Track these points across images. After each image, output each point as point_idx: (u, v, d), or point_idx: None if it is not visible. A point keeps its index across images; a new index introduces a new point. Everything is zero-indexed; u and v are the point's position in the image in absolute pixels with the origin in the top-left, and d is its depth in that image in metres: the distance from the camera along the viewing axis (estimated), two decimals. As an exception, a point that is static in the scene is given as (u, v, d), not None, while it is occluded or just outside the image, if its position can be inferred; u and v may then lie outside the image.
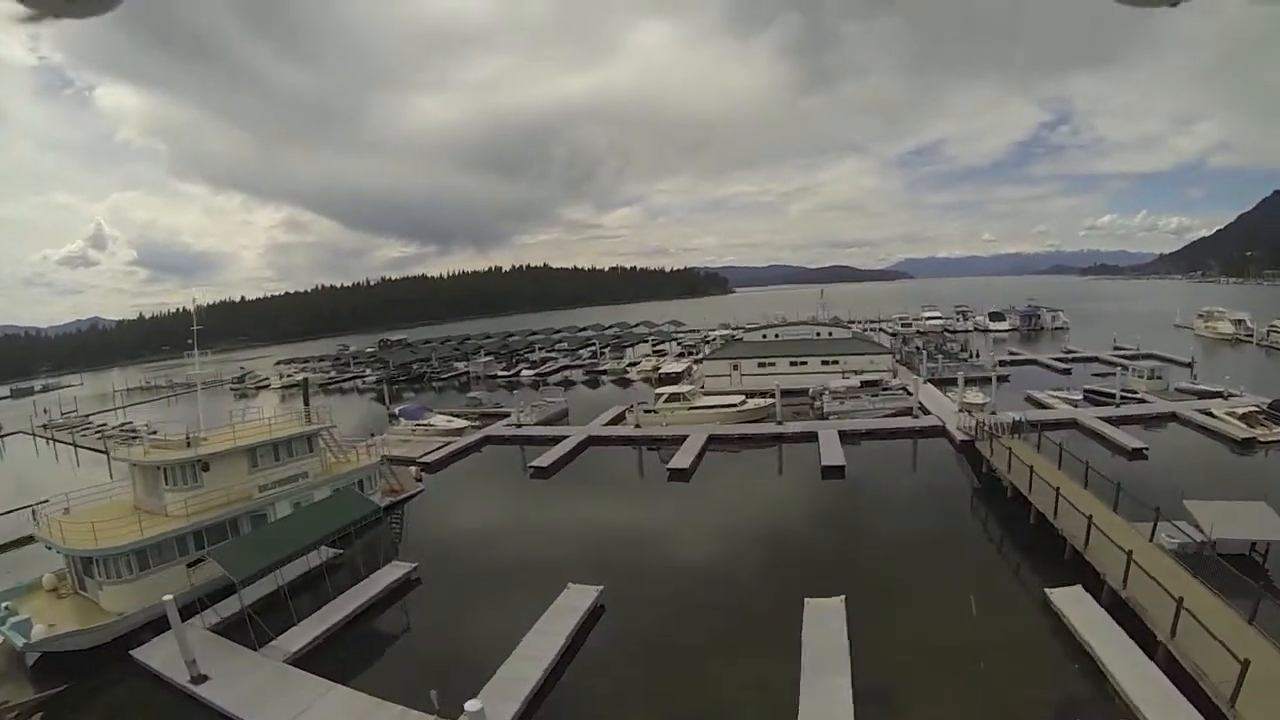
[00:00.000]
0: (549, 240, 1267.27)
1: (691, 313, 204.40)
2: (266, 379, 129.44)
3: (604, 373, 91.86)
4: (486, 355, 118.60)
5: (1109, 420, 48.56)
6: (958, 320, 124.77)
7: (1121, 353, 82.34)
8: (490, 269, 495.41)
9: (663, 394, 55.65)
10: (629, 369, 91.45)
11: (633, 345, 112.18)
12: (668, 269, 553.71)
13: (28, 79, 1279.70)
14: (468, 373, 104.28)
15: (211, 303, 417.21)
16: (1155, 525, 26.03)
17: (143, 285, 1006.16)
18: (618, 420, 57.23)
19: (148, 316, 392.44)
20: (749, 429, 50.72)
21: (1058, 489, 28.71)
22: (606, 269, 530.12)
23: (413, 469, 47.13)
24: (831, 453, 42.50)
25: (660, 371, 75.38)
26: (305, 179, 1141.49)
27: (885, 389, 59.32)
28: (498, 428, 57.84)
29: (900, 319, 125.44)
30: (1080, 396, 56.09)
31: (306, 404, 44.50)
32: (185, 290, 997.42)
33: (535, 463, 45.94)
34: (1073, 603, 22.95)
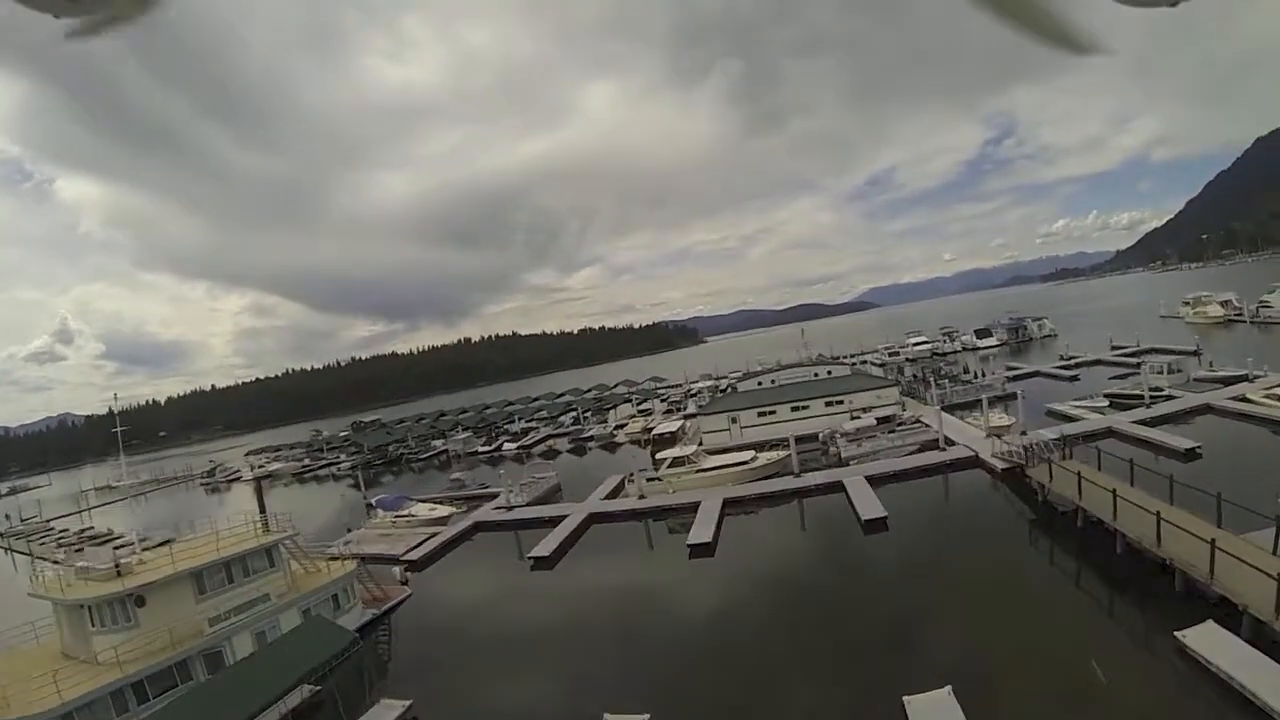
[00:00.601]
0: (515, 308, 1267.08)
1: (667, 367, 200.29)
2: (237, 470, 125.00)
3: (590, 439, 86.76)
4: (465, 431, 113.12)
5: (1144, 423, 45.46)
6: (944, 342, 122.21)
7: (1122, 351, 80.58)
8: (459, 341, 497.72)
9: (665, 459, 50.76)
10: (616, 431, 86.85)
11: (614, 407, 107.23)
12: (636, 325, 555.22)
13: None
14: (446, 451, 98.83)
15: (181, 393, 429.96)
16: (1278, 535, 22.04)
17: (111, 378, 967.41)
18: (617, 491, 52.04)
19: (114, 411, 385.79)
20: (766, 486, 45.69)
21: (1158, 513, 24.38)
22: (576, 331, 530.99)
23: (397, 569, 41.60)
24: (866, 503, 37.84)
25: (654, 432, 70.82)
26: (270, 263, 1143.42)
27: (900, 424, 55.37)
28: (487, 511, 52.41)
29: (886, 349, 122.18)
30: (1105, 403, 52.72)
31: (262, 509, 38.40)
32: (155, 381, 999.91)
33: (535, 552, 40.48)
34: (1213, 643, 19.02)
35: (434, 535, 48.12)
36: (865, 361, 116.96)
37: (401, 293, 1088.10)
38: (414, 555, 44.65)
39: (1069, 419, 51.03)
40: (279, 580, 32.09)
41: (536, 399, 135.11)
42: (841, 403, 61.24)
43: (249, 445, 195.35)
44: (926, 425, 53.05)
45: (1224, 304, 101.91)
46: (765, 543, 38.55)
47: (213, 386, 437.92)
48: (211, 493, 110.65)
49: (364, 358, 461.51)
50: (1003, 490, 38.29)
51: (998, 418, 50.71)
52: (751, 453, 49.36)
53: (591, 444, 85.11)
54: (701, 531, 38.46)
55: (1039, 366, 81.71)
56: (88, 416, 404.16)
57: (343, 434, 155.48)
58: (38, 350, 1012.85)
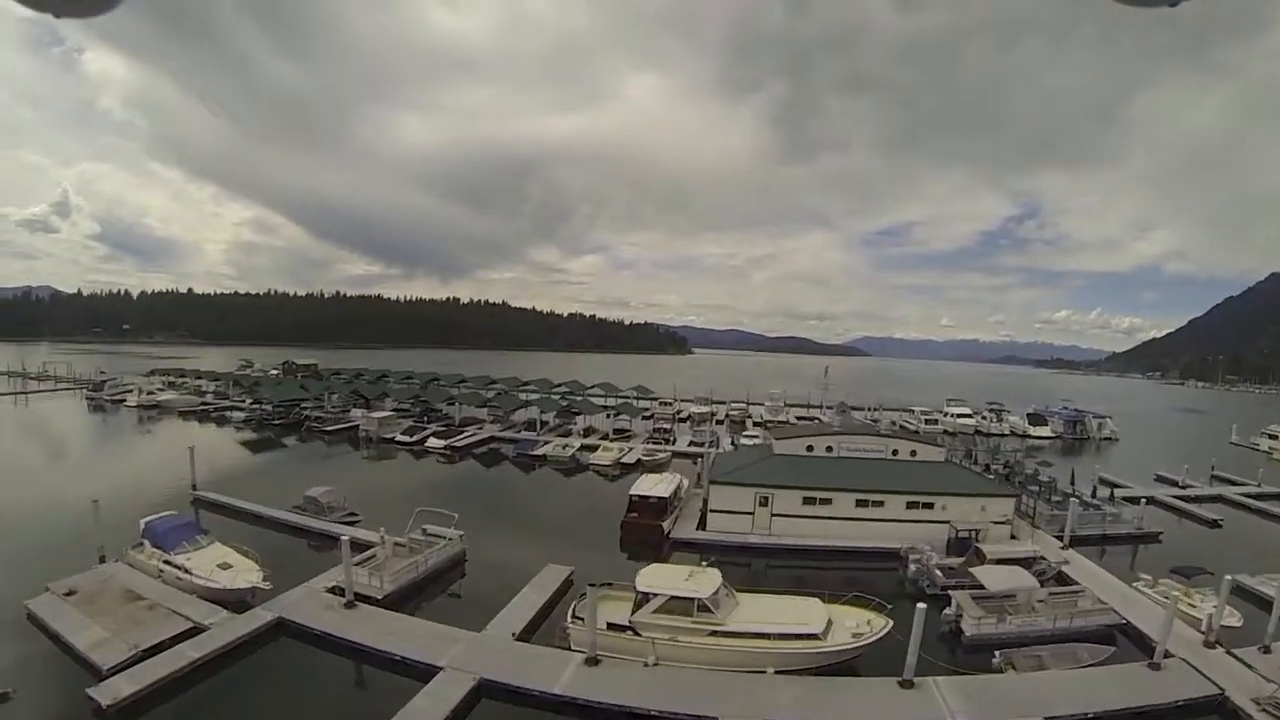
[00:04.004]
0: (512, 278, 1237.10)
1: (654, 374, 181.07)
2: (129, 388, 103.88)
3: (543, 459, 64.14)
4: (391, 406, 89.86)
5: None
6: (991, 421, 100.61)
7: (1244, 488, 61.87)
8: (448, 299, 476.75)
9: (655, 595, 25.27)
10: (582, 453, 64.74)
11: (581, 414, 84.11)
12: (627, 321, 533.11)
13: (17, 28, 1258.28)
14: (357, 427, 76.22)
15: (156, 290, 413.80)
16: None
17: (100, 261, 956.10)
18: (551, 608, 29.25)
19: (85, 294, 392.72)
20: (841, 693, 23.13)
21: None
22: (565, 315, 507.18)
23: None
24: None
25: (637, 497, 40.81)
26: (280, 180, 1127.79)
27: (1041, 574, 33.40)
28: (314, 594, 29.23)
29: (923, 413, 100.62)
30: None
31: None
32: (141, 272, 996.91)
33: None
34: None
35: (190, 635, 25.55)
36: (894, 423, 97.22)
37: (404, 238, 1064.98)
38: (122, 686, 21.93)
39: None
40: None
41: (495, 383, 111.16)
42: (931, 506, 39.09)
43: (207, 356, 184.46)
44: (1078, 587, 31.94)
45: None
46: None
47: (190, 290, 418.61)
48: (94, 410, 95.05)
49: (350, 295, 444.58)
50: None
51: (1199, 601, 30.64)
52: (823, 615, 25.51)
53: (542, 464, 62.75)
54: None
55: (1151, 490, 60.30)
56: (53, 294, 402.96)
57: (273, 370, 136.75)
58: (31, 217, 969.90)
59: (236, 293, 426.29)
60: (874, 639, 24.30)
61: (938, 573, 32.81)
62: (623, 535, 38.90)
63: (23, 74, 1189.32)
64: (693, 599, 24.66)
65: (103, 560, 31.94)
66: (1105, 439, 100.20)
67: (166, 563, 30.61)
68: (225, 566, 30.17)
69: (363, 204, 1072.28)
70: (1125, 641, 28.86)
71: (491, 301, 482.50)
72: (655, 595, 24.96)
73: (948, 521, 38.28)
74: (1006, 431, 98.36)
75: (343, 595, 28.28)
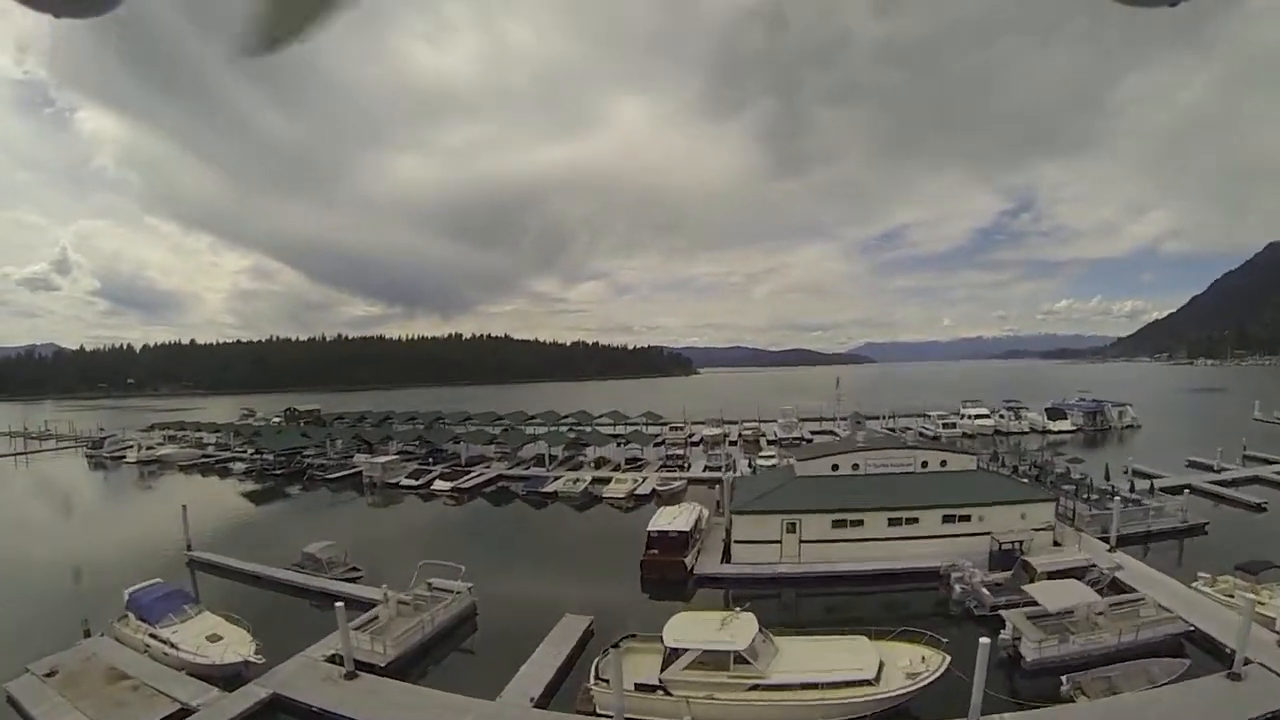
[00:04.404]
0: (513, 310, 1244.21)
1: (661, 396, 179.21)
2: (130, 444, 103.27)
3: (553, 495, 61.70)
4: (396, 449, 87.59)
5: None
6: (1010, 419, 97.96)
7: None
8: (450, 335, 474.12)
9: (686, 649, 22.75)
10: (594, 486, 62.21)
11: (590, 446, 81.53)
12: (630, 346, 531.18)
13: (10, 91, 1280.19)
14: (360, 473, 73.82)
15: (158, 343, 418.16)
16: None
17: (102, 317, 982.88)
18: (571, 665, 26.71)
19: (88, 350, 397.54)
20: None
21: None
22: (568, 343, 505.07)
23: None
24: None
25: (655, 533, 38.22)
26: (276, 227, 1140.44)
27: (1094, 583, 30.99)
28: (313, 662, 26.77)
29: (940, 417, 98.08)
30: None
31: None
32: (144, 326, 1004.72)
33: None
34: None
35: (177, 718, 23.43)
36: (908, 429, 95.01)
37: (404, 277, 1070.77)
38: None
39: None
40: None
41: (501, 419, 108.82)
42: (969, 519, 36.68)
43: (211, 407, 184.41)
44: (1137, 595, 29.59)
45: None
46: None
47: (192, 341, 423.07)
48: (95, 468, 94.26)
49: (351, 336, 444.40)
50: None
51: (1267, 598, 28.16)
52: (873, 657, 22.91)
53: (553, 500, 60.36)
54: None
55: (1186, 477, 57.95)
56: (57, 351, 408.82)
57: (275, 418, 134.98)
58: (32, 275, 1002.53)
59: (239, 341, 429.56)
60: (932, 678, 21.91)
61: (985, 591, 30.40)
62: (643, 574, 36.29)
63: (17, 136, 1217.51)
64: (728, 651, 22.24)
65: (87, 635, 29.75)
66: (1127, 427, 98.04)
67: (152, 636, 28.42)
68: (215, 638, 27.88)
69: (360, 246, 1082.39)
70: (1194, 650, 26.58)
71: (494, 335, 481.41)
72: (686, 649, 22.55)
73: (987, 533, 35.85)
74: (1026, 429, 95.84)
75: (342, 664, 25.97)
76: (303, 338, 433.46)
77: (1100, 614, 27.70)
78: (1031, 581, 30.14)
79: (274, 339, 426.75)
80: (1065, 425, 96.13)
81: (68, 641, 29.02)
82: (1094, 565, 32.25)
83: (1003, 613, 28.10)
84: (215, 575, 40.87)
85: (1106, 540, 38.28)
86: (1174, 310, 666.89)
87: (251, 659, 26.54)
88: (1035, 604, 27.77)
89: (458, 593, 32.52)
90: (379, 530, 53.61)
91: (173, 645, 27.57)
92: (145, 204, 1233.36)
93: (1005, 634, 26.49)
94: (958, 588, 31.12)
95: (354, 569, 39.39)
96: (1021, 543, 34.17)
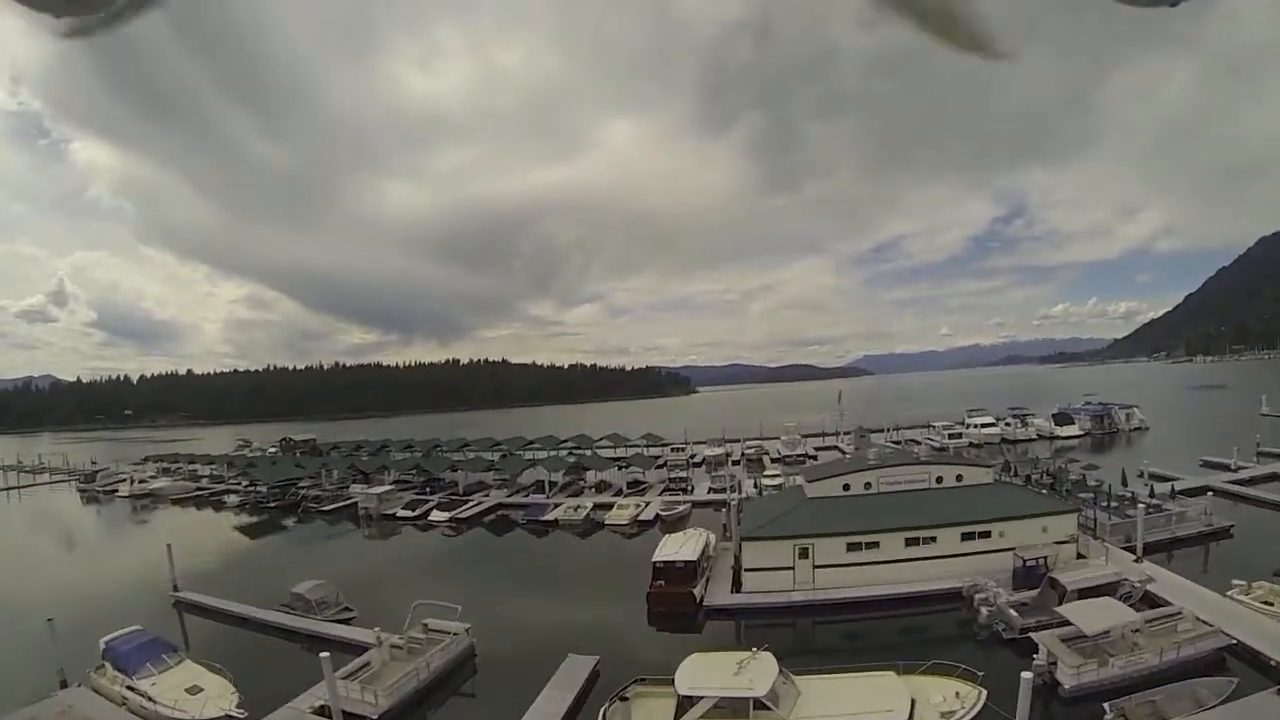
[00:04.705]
0: (510, 334, 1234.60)
1: (660, 417, 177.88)
2: (122, 477, 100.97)
3: (554, 523, 59.82)
4: (393, 478, 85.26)
5: None
6: (1016, 426, 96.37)
7: None
8: (448, 361, 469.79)
9: (701, 697, 21.01)
10: (595, 512, 60.32)
11: (589, 470, 79.39)
12: (628, 367, 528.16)
13: (4, 123, 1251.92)
14: (356, 504, 72.05)
15: (155, 373, 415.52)
16: None
17: (99, 348, 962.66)
18: (578, 710, 24.76)
19: (85, 381, 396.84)
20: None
21: None
22: (566, 365, 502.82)
23: None
24: None
25: (661, 563, 35.73)
26: (272, 256, 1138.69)
27: (1127, 597, 29.40)
28: (296, 716, 24.86)
29: (945, 427, 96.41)
30: None
31: None
32: (142, 356, 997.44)
33: None
34: None
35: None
36: (913, 441, 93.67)
37: (400, 304, 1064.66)
38: None
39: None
40: None
41: (499, 445, 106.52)
42: (989, 535, 35.01)
43: (208, 438, 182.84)
44: (1173, 608, 28.04)
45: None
46: None
47: (189, 371, 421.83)
48: (87, 502, 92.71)
49: (349, 364, 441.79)
50: None
51: None
52: (896, 687, 21.53)
53: (554, 529, 58.56)
54: None
55: (1204, 478, 56.58)
56: (53, 383, 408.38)
57: (271, 448, 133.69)
58: (29, 307, 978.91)
59: (235, 370, 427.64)
60: (969, 716, 20.25)
61: (1012, 613, 28.68)
62: (650, 607, 34.37)
63: (13, 167, 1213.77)
64: (747, 698, 20.54)
65: (64, 685, 28.41)
66: (1135, 429, 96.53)
67: (130, 688, 26.80)
68: (195, 690, 26.25)
69: (356, 274, 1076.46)
70: (1236, 664, 25.12)
71: (491, 360, 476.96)
72: (701, 697, 20.83)
73: (1008, 549, 34.16)
74: (1034, 436, 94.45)
75: (331, 718, 24.22)
76: (300, 366, 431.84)
77: (1137, 631, 26.06)
78: (1061, 600, 28.47)
79: (271, 368, 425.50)
80: (1073, 430, 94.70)
81: (44, 691, 27.72)
82: (1124, 579, 30.53)
83: (1034, 636, 26.49)
84: (201, 617, 39.23)
85: (1132, 550, 36.74)
86: (1169, 309, 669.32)
87: (233, 713, 24.95)
88: (1066, 623, 26.16)
89: (455, 634, 30.73)
90: (374, 564, 51.75)
91: (150, 698, 25.98)
92: (141, 234, 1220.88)
93: (1039, 659, 24.80)
94: (984, 610, 29.39)
95: (346, 609, 37.51)
96: (1046, 558, 32.48)
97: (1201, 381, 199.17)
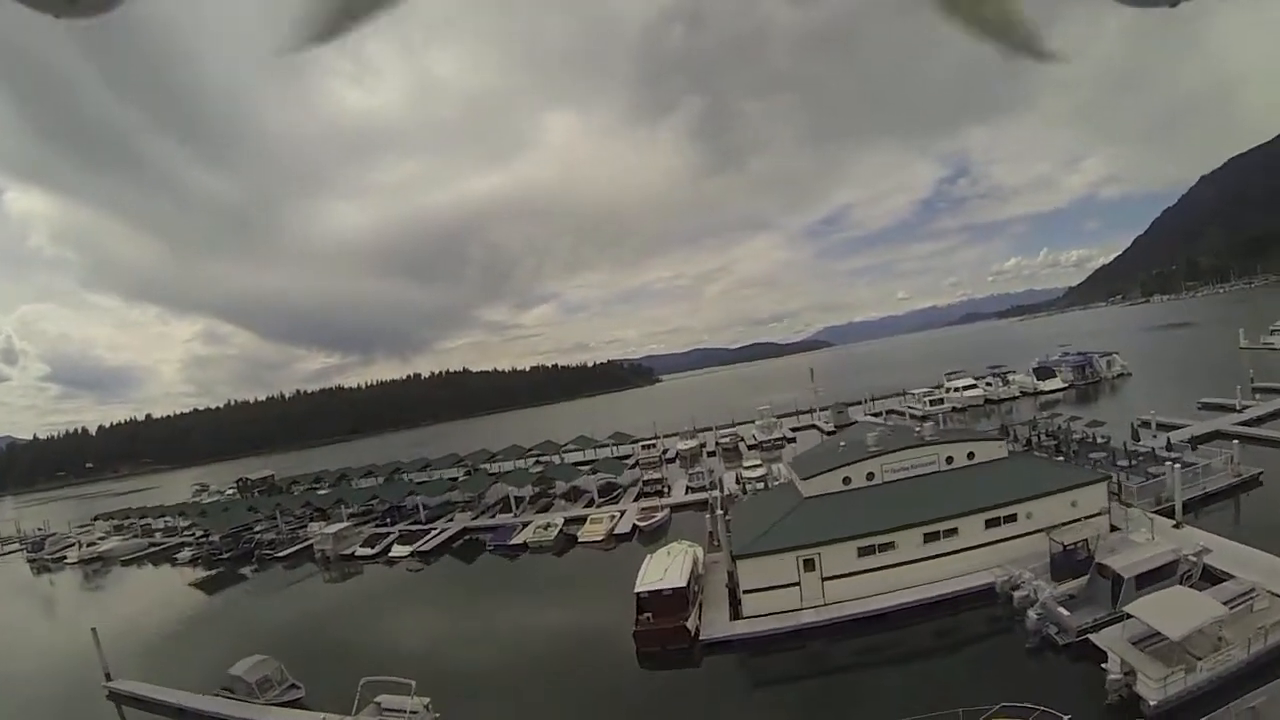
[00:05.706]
0: (469, 343, 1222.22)
1: (626, 410, 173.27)
2: (71, 542, 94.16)
3: (524, 546, 54.65)
4: (351, 511, 78.73)
5: None
6: (998, 385, 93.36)
7: None
8: (408, 377, 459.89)
9: None
10: (567, 527, 55.43)
11: (563, 479, 74.08)
12: (590, 363, 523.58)
13: None
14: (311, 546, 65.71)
15: (113, 422, 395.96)
16: None
17: (56, 402, 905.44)
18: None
19: (42, 438, 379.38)
20: None
21: None
22: (528, 369, 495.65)
23: None
24: None
25: (645, 593, 30.72)
26: (222, 289, 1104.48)
27: (1187, 576, 25.40)
28: None
29: (925, 394, 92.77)
30: None
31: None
32: (101, 406, 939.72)
33: None
34: None
35: None
36: (892, 411, 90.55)
37: (357, 324, 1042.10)
38: None
39: None
40: None
41: (463, 460, 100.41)
42: (1015, 518, 30.76)
43: (169, 483, 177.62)
44: (1243, 585, 24.06)
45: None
46: None
47: (148, 416, 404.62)
48: (38, 573, 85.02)
49: (311, 391, 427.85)
50: None
51: None
52: None
53: (525, 551, 53.47)
54: None
55: (1211, 422, 53.64)
56: (10, 443, 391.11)
57: (230, 489, 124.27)
58: None
59: (195, 410, 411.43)
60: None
61: (1063, 612, 24.36)
62: (638, 647, 29.26)
63: None
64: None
65: None
66: (1118, 376, 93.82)
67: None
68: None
69: (311, 298, 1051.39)
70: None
71: (452, 371, 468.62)
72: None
73: (1038, 531, 29.94)
74: (1017, 393, 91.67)
75: None
76: (261, 398, 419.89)
77: (1220, 621, 21.89)
78: (1116, 590, 24.24)
79: (232, 403, 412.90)
80: (1056, 383, 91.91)
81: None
82: (1182, 554, 26.36)
83: (1095, 640, 22.26)
84: (137, 710, 33.66)
85: (1167, 514, 32.91)
86: (1120, 253, 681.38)
87: None
88: (1125, 618, 21.99)
89: (412, 713, 25.59)
90: (328, 620, 45.59)
91: None
92: (85, 280, 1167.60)
93: (1113, 671, 20.47)
94: (1032, 614, 24.85)
95: (293, 686, 31.91)
96: (1088, 540, 28.15)
97: (1165, 320, 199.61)
